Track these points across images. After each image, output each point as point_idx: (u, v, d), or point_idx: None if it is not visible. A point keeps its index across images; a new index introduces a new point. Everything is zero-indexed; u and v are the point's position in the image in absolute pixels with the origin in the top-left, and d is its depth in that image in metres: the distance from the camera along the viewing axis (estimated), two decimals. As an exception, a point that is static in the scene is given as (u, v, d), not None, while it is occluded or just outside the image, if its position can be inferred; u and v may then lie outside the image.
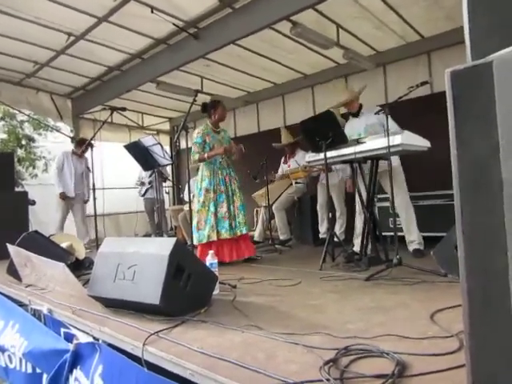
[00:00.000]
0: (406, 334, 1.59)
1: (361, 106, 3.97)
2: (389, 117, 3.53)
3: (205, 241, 3.79)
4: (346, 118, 3.41)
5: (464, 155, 0.89)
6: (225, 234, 3.80)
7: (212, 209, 3.82)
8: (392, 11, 4.37)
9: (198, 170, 4.08)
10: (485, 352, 0.86)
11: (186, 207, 5.38)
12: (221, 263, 3.39)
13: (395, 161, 3.67)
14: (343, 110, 4.45)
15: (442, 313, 1.88)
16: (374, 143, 3.21)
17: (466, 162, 0.89)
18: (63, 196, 5.70)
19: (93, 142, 4.57)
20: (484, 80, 0.87)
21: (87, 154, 5.54)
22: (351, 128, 3.85)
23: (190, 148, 3.87)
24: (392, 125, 3.56)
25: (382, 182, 3.77)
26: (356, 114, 3.95)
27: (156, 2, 4.22)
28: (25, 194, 5.50)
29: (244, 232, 3.94)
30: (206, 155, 3.83)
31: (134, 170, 6.85)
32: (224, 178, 3.91)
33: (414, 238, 3.68)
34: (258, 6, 4.18)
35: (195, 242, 3.79)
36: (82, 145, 5.79)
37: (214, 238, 3.76)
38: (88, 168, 5.72)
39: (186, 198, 5.71)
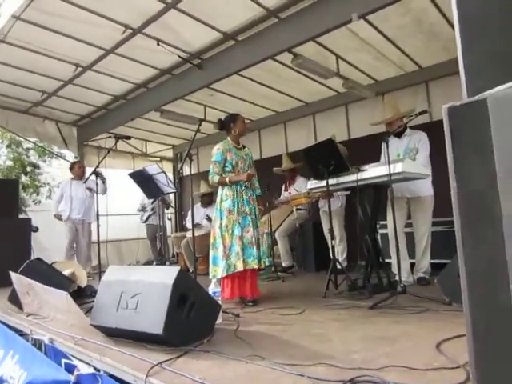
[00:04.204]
0: (411, 364, 1.56)
1: (405, 127, 3.76)
2: (426, 142, 3.63)
3: (231, 271, 3.20)
4: (385, 138, 3.20)
5: (463, 188, 0.91)
6: (252, 264, 3.23)
7: (236, 232, 3.25)
8: (390, 43, 4.51)
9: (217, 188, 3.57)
10: (491, 384, 0.85)
11: (189, 234, 5.37)
12: (242, 300, 3.25)
13: (429, 191, 3.67)
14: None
15: (447, 343, 1.85)
16: (376, 171, 3.25)
17: (466, 194, 0.91)
18: (58, 217, 5.87)
19: (98, 169, 4.61)
20: (479, 116, 0.90)
21: (92, 182, 5.38)
22: (391, 148, 3.41)
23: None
24: (423, 153, 3.59)
25: (411, 210, 3.75)
26: (398, 135, 3.76)
27: (162, 34, 4.38)
28: (28, 220, 5.51)
29: (267, 264, 3.45)
30: (227, 179, 3.35)
31: (135, 197, 6.88)
32: (248, 198, 3.42)
33: (422, 265, 3.69)
34: (261, 38, 4.32)
35: (223, 274, 3.19)
36: (73, 168, 6.08)
37: (240, 267, 3.16)
38: (89, 189, 5.78)
39: (189, 226, 5.71)
